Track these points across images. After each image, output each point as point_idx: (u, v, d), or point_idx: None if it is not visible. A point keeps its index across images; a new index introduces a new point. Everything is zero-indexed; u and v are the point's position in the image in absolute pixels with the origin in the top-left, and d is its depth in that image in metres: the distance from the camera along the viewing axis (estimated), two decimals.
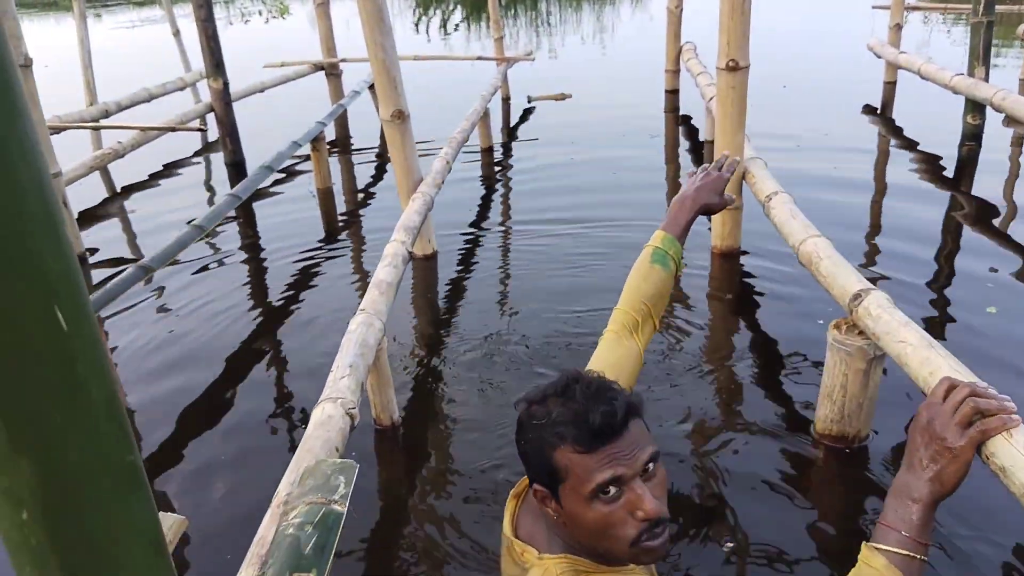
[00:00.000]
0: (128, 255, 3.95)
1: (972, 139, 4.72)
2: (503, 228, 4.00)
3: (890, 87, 6.32)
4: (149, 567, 0.45)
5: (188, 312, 3.19)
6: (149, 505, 0.45)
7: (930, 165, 4.55)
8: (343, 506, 1.25)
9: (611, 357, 1.44)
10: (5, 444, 0.38)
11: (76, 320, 0.39)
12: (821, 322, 2.60)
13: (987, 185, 4.12)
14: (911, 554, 1.09)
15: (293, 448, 1.52)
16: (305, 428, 1.63)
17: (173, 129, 4.63)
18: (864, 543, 1.12)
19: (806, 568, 1.66)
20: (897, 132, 5.31)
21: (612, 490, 1.03)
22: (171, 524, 1.20)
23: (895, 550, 1.09)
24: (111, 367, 0.43)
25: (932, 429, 1.13)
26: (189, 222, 3.15)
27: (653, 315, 1.51)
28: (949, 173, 4.39)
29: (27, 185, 0.37)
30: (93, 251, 3.97)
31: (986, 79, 4.57)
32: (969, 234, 3.53)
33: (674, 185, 4.53)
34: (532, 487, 1.13)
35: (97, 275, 3.65)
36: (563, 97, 6.90)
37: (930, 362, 1.59)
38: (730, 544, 1.76)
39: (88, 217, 4.51)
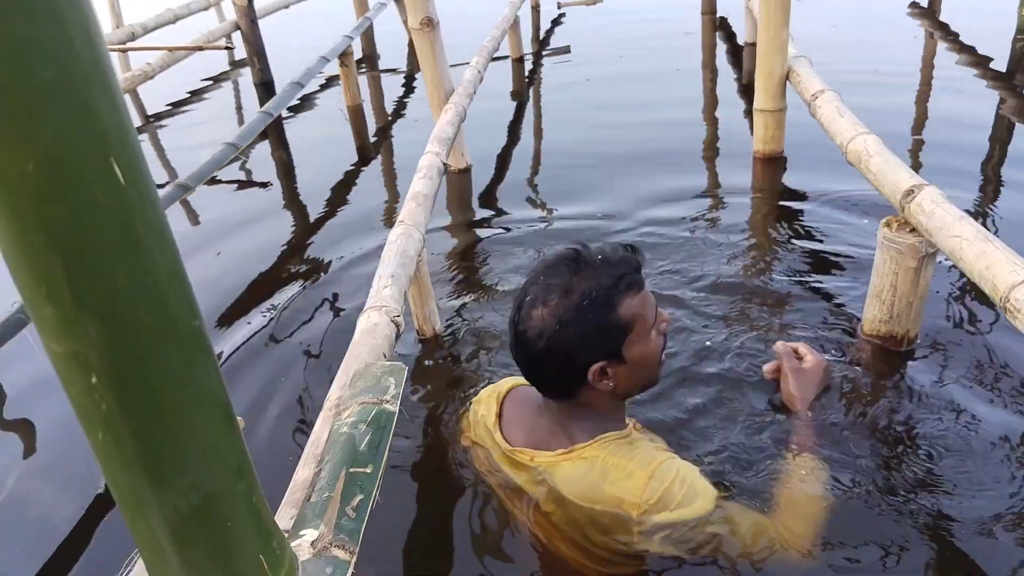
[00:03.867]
0: (165, 177, 3.96)
1: None
2: (537, 140, 3.93)
3: None
4: (220, 435, 0.45)
5: (225, 231, 3.21)
6: (216, 373, 0.45)
7: (980, 62, 4.35)
8: (395, 406, 1.26)
9: None
10: (71, 305, 0.37)
11: (133, 174, 0.38)
12: (866, 221, 2.54)
13: None
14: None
15: (338, 358, 1.53)
16: (350, 338, 1.63)
17: (200, 48, 4.58)
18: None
19: (852, 464, 1.65)
20: (945, 29, 5.07)
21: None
22: None
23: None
24: (170, 230, 0.42)
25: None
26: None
27: None
28: (1001, 69, 4.19)
29: (75, 31, 0.35)
30: None
31: None
32: (1021, 131, 3.40)
33: (711, 100, 4.36)
34: (587, 372, 1.24)
35: None
36: (594, 2, 6.67)
37: (986, 256, 1.54)
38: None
39: None
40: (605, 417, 1.32)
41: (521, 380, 1.46)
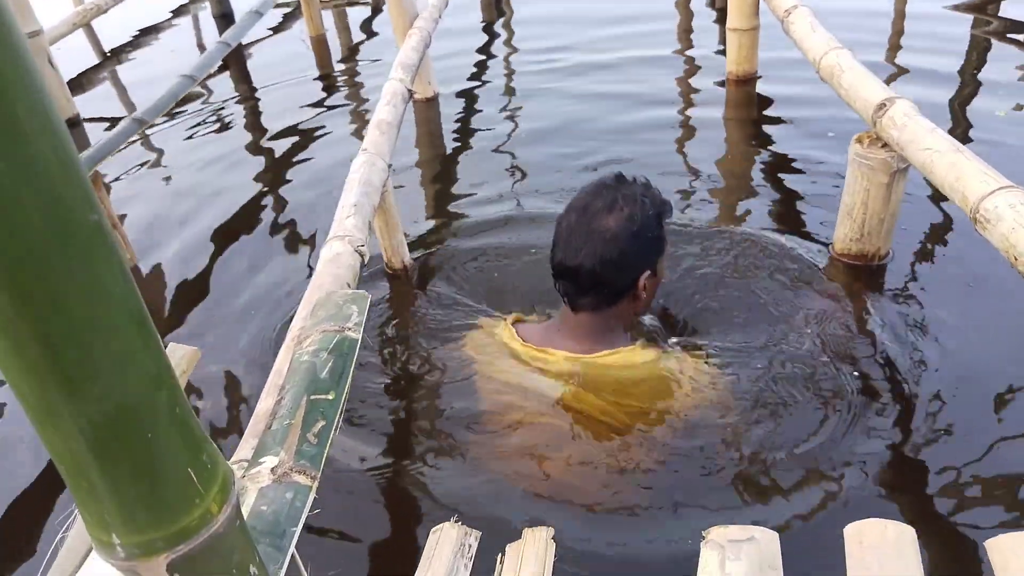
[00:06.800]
0: (122, 112, 3.84)
1: None
2: (507, 68, 3.84)
3: None
4: (132, 340, 0.42)
5: (186, 165, 3.12)
6: (124, 274, 0.41)
7: None
8: (357, 333, 1.23)
9: None
10: None
11: (3, 47, 0.33)
12: (832, 135, 2.52)
13: None
14: None
15: (303, 292, 1.49)
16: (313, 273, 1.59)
17: None
18: None
19: (823, 382, 1.65)
20: None
21: None
22: (183, 355, 1.19)
23: None
24: (57, 114, 0.38)
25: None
26: None
27: None
28: None
29: None
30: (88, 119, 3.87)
31: None
32: (997, 42, 3.36)
33: (685, 27, 4.26)
34: (639, 279, 1.38)
35: (93, 136, 3.57)
36: None
37: (957, 167, 1.51)
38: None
39: (80, 83, 4.37)
40: (627, 332, 1.47)
41: (519, 318, 1.59)
